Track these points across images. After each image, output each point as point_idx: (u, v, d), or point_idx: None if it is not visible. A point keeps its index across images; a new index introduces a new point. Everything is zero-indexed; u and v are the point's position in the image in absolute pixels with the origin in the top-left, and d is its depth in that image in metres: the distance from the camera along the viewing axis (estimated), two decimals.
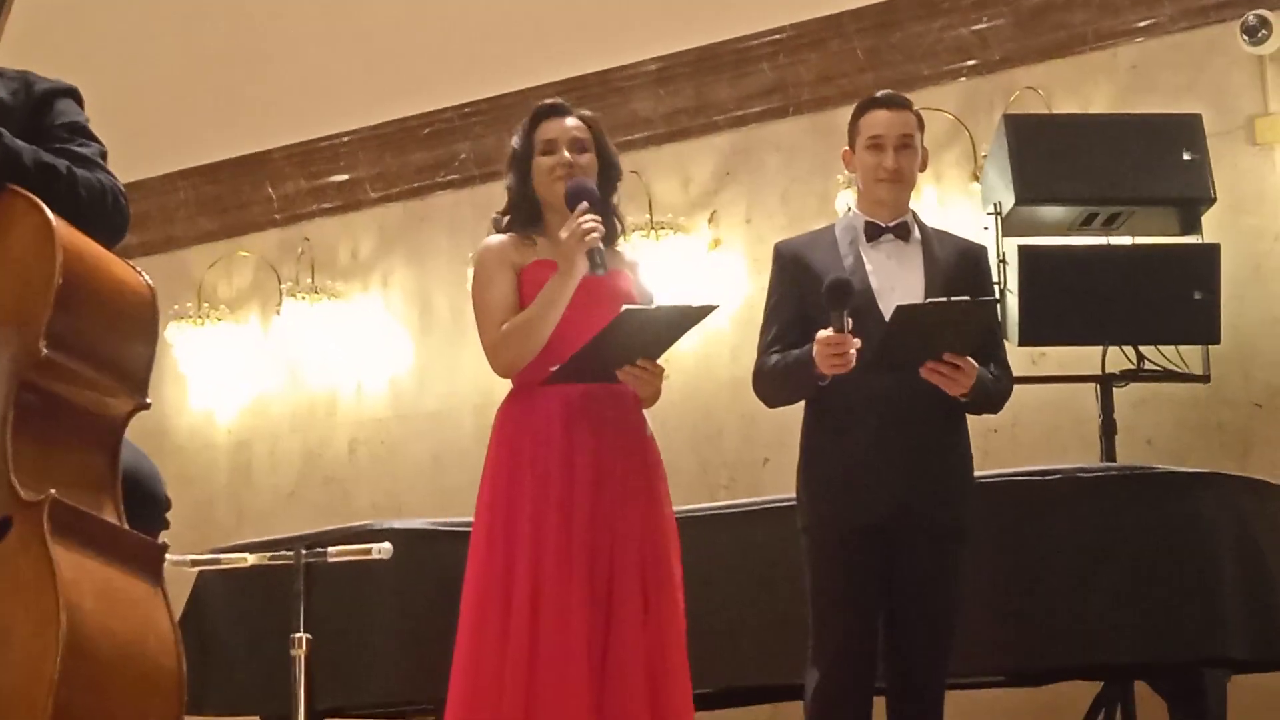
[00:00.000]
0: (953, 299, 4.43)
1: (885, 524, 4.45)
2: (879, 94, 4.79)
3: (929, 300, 4.48)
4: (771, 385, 4.63)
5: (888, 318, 4.42)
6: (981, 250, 4.84)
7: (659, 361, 4.39)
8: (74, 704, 2.99)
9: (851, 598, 4.46)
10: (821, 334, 4.41)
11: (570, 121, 4.55)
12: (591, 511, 4.33)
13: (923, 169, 4.82)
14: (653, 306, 4.42)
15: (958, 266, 4.64)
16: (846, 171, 4.76)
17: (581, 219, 4.30)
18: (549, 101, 4.62)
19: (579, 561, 4.29)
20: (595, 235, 4.29)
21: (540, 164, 4.50)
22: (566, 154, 4.48)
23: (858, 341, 4.37)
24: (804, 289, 4.57)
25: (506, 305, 4.43)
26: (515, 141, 4.56)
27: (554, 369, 4.31)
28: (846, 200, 6.69)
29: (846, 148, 4.76)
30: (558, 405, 4.38)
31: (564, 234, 4.32)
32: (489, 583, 4.35)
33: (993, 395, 4.61)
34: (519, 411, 4.43)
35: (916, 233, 4.67)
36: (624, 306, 4.25)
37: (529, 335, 4.37)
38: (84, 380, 3.27)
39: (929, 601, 4.49)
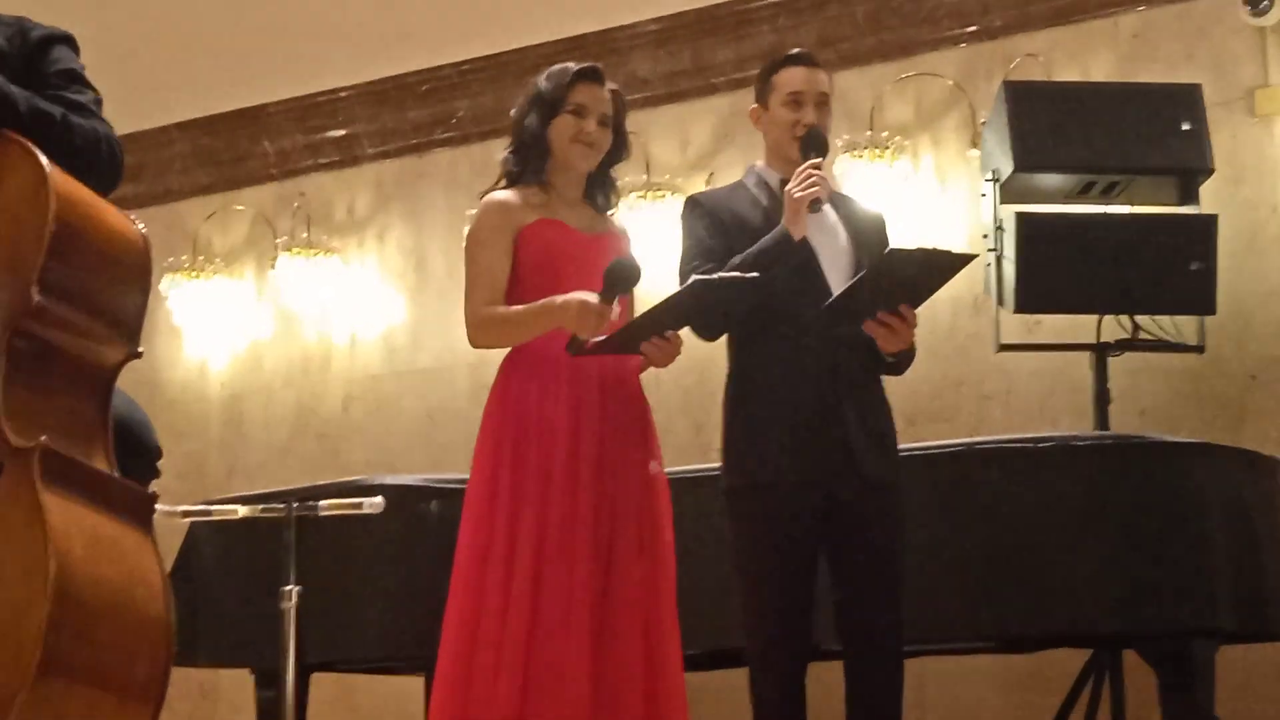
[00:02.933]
0: (941, 248, 4.43)
1: (827, 481, 4.40)
2: (793, 51, 4.71)
3: (919, 247, 4.46)
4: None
5: (828, 275, 4.43)
6: (880, 215, 4.80)
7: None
8: (62, 650, 2.99)
9: (789, 561, 4.40)
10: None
11: (604, 93, 4.59)
12: (597, 471, 4.35)
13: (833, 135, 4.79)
14: (717, 277, 4.34)
15: (868, 228, 4.64)
16: (755, 128, 4.72)
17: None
18: (590, 65, 4.62)
19: (584, 521, 4.30)
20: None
21: (566, 121, 4.52)
22: (594, 124, 4.52)
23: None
24: (731, 238, 4.52)
25: (495, 275, 4.46)
26: (544, 86, 4.56)
27: (595, 341, 4.28)
28: (845, 164, 6.69)
29: (755, 105, 4.69)
30: (565, 365, 4.38)
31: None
32: (489, 540, 4.34)
33: (908, 356, 4.57)
34: (525, 369, 4.43)
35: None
36: (695, 278, 4.27)
37: (507, 336, 4.45)
38: (76, 327, 3.27)
39: (877, 552, 4.44)
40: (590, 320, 4.25)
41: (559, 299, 4.31)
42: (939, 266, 4.38)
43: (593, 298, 4.24)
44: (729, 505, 4.52)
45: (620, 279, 4.26)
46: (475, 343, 4.49)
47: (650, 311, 4.27)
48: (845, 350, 4.44)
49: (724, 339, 4.60)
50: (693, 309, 4.33)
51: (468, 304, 4.49)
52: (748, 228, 4.51)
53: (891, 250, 4.35)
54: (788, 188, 4.45)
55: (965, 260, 4.36)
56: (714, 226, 4.58)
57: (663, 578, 4.40)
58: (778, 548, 4.41)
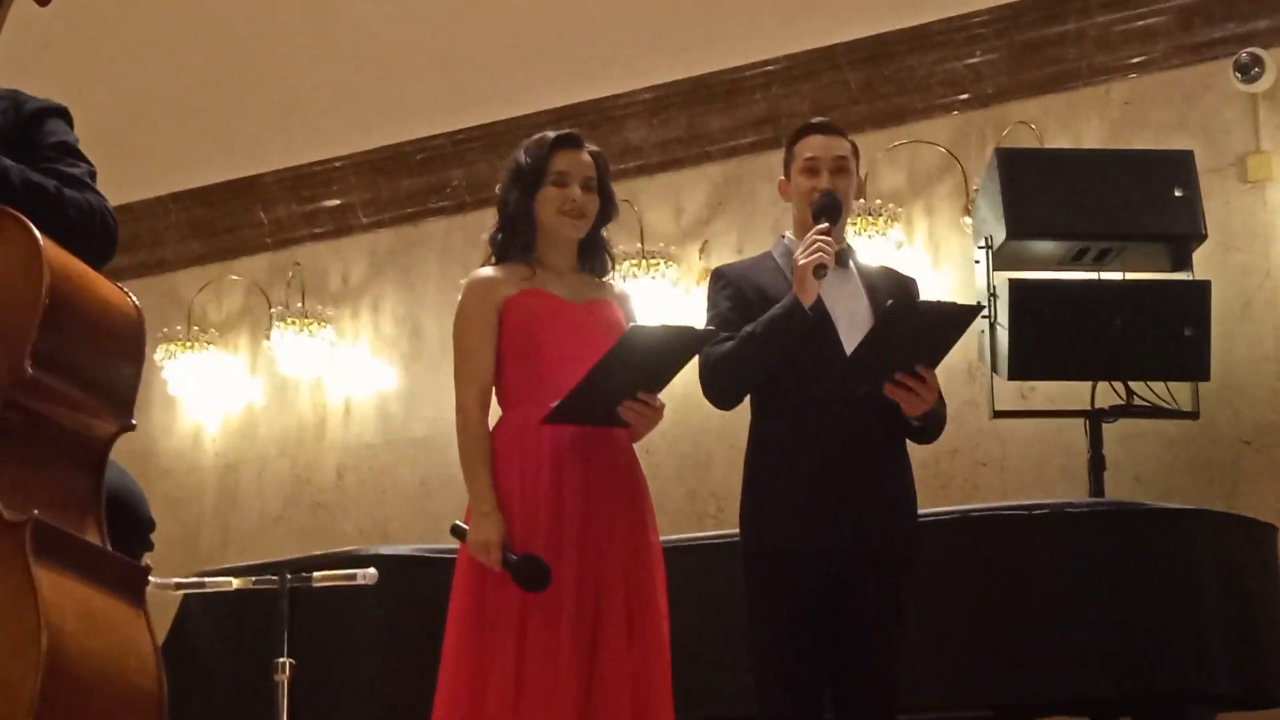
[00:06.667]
0: (945, 301, 4.41)
1: (839, 552, 4.36)
2: (813, 120, 4.73)
3: (923, 300, 4.44)
4: (734, 359, 4.43)
5: (845, 343, 4.38)
6: (911, 280, 4.77)
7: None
8: None
9: (801, 630, 4.36)
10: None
11: (584, 157, 4.55)
12: (580, 545, 4.31)
13: (857, 198, 4.76)
14: (657, 325, 4.37)
15: (894, 296, 4.53)
16: (783, 200, 4.72)
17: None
18: (567, 131, 4.60)
19: (567, 596, 4.26)
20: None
21: (549, 193, 4.49)
22: (578, 191, 4.49)
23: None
24: (752, 309, 4.48)
25: (481, 359, 4.45)
26: (524, 160, 4.53)
27: (553, 406, 4.27)
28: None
29: (782, 178, 4.69)
30: (547, 437, 4.35)
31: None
32: (473, 612, 4.33)
33: (938, 421, 4.52)
34: (508, 442, 4.41)
35: (851, 262, 4.63)
36: (630, 324, 4.27)
37: (463, 463, 4.42)
38: (69, 400, 3.25)
39: (882, 634, 4.39)
40: (480, 555, 4.28)
41: (491, 509, 4.30)
42: (945, 320, 4.35)
43: (497, 548, 4.25)
44: (745, 571, 4.49)
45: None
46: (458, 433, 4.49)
47: (595, 370, 4.21)
48: (864, 417, 4.40)
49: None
50: (638, 361, 4.24)
51: (459, 391, 4.47)
52: (770, 299, 4.47)
53: (893, 304, 4.33)
54: (795, 254, 4.43)
55: (972, 312, 4.32)
56: (736, 298, 4.55)
57: (654, 656, 4.35)
58: (789, 616, 4.36)
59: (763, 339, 4.40)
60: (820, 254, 4.34)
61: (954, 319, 4.34)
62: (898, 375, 4.29)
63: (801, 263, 4.37)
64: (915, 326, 4.31)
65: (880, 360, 4.28)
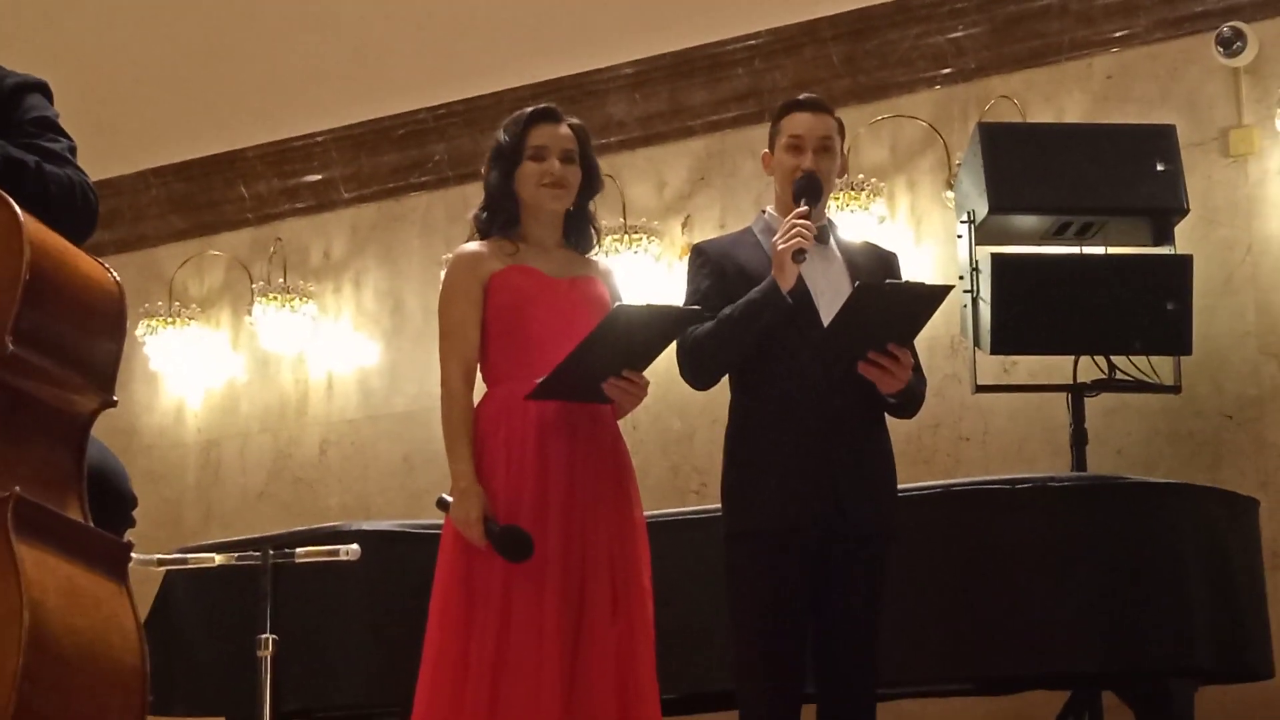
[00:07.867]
0: (912, 282, 4.42)
1: (820, 529, 4.37)
2: (801, 96, 4.70)
3: (889, 281, 4.46)
4: (712, 341, 4.43)
5: (825, 320, 4.37)
6: (892, 256, 4.77)
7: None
8: (36, 701, 2.97)
9: (782, 607, 4.37)
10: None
11: (563, 130, 4.53)
12: (564, 521, 4.31)
13: (841, 175, 4.78)
14: (642, 305, 4.39)
15: (875, 272, 4.56)
16: (766, 174, 4.72)
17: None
18: (543, 106, 4.59)
19: (552, 571, 4.26)
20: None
21: (528, 168, 4.49)
22: (557, 164, 4.48)
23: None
24: (732, 286, 4.49)
25: (466, 332, 4.44)
26: (503, 138, 4.53)
27: (538, 382, 4.27)
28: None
29: (765, 150, 4.67)
30: (533, 412, 4.35)
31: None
32: (458, 587, 4.33)
33: (915, 397, 4.53)
34: (493, 417, 4.41)
35: (832, 237, 4.62)
36: (616, 304, 4.26)
37: (446, 437, 4.39)
38: (50, 377, 3.25)
39: (862, 607, 4.41)
40: (463, 530, 4.27)
41: (471, 484, 4.29)
42: (915, 299, 4.35)
43: (478, 523, 4.24)
44: (725, 550, 4.50)
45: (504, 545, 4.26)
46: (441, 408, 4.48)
47: (580, 347, 4.22)
48: (844, 393, 4.40)
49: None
50: (622, 339, 4.24)
51: (443, 366, 4.46)
52: (750, 276, 4.47)
53: (860, 285, 4.33)
54: (774, 239, 4.43)
55: (941, 291, 4.32)
56: (716, 276, 4.55)
57: (639, 632, 4.35)
58: (770, 594, 4.38)
59: (740, 322, 4.41)
60: (799, 239, 4.33)
61: (924, 299, 4.35)
62: (871, 354, 4.30)
63: (780, 248, 4.36)
64: (886, 306, 4.32)
65: (852, 338, 4.29)
